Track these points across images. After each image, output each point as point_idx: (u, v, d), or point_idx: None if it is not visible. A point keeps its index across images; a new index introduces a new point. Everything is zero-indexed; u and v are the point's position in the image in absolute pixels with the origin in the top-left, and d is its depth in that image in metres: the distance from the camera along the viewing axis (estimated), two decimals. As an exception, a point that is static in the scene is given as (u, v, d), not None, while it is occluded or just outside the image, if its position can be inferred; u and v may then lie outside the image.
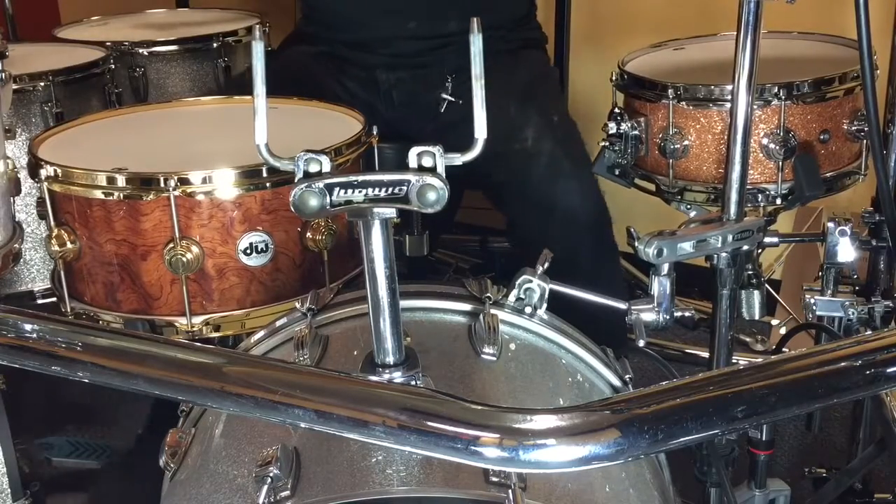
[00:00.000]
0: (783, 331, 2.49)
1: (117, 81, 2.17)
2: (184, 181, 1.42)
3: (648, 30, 2.48)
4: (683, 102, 1.70)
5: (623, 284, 2.21)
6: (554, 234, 1.91)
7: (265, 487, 0.89)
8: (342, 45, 2.14)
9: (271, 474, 0.90)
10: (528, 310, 1.19)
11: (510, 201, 2.04)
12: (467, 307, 1.19)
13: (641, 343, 1.20)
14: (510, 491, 0.87)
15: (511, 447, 0.70)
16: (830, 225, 1.48)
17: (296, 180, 0.87)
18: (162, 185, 1.41)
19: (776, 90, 1.63)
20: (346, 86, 2.12)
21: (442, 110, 1.92)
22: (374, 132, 1.60)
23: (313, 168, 0.87)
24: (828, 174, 1.71)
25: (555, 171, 1.92)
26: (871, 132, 1.39)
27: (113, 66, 2.15)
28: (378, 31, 2.07)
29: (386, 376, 0.93)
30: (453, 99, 1.89)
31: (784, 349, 1.70)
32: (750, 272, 1.47)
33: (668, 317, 1.22)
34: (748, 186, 1.33)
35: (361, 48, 2.11)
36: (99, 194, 1.45)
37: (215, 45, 2.37)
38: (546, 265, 1.21)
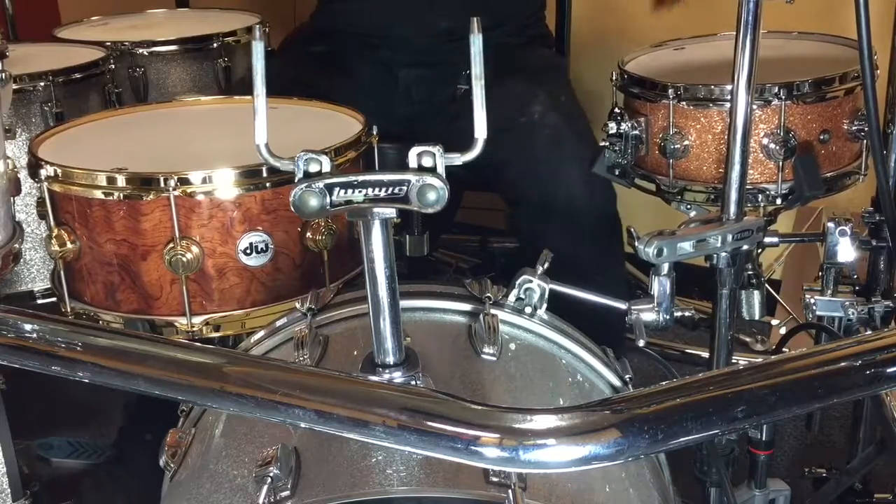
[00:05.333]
0: (783, 331, 2.49)
1: (117, 81, 2.17)
2: (184, 181, 1.42)
3: (648, 30, 2.48)
4: (683, 102, 1.69)
5: (623, 262, 2.17)
6: (557, 210, 1.89)
7: (265, 487, 0.89)
8: (361, 42, 2.13)
9: (271, 474, 0.90)
10: (528, 310, 1.19)
11: (512, 179, 2.01)
12: (467, 307, 1.19)
13: (641, 343, 1.20)
14: (510, 491, 0.87)
15: (511, 447, 0.70)
16: (830, 225, 1.48)
17: (296, 180, 0.87)
18: (162, 185, 1.41)
19: (776, 90, 1.63)
20: (361, 83, 2.11)
21: (458, 97, 1.91)
22: (374, 132, 1.60)
23: (313, 168, 0.87)
24: (828, 174, 1.71)
25: (559, 146, 1.90)
26: (871, 132, 1.39)
27: (113, 66, 2.15)
28: (403, 29, 2.07)
29: (386, 376, 0.93)
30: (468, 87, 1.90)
31: (784, 349, 1.70)
32: (750, 272, 1.47)
33: (668, 317, 1.22)
34: (748, 186, 1.33)
35: (382, 45, 2.10)
36: (99, 194, 1.45)
37: (215, 45, 2.36)
38: (546, 265, 1.21)
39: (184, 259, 1.42)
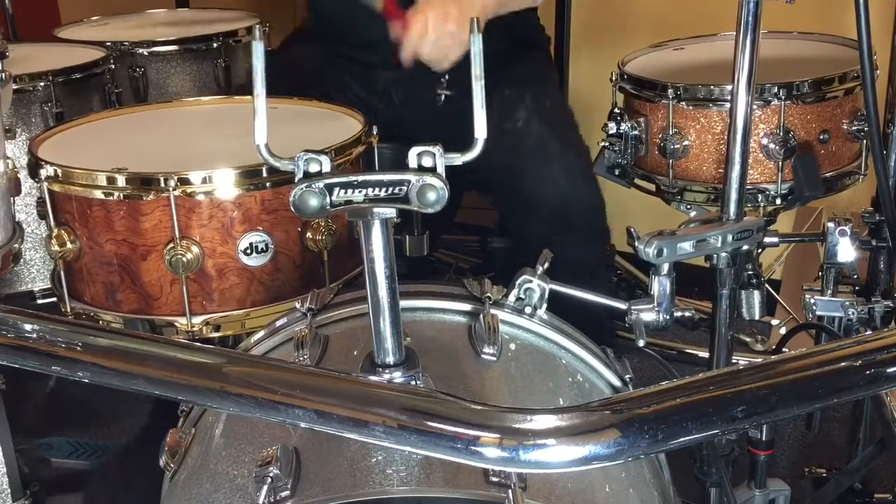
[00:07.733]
0: (783, 331, 2.49)
1: (117, 81, 2.17)
2: (184, 181, 1.42)
3: (648, 30, 2.48)
4: (683, 102, 1.70)
5: (606, 268, 2.19)
6: (544, 219, 1.90)
7: (265, 487, 0.89)
8: (344, 45, 2.14)
9: (271, 474, 0.89)
10: (528, 310, 1.19)
11: (500, 187, 2.03)
12: (467, 307, 1.19)
13: (641, 343, 1.20)
14: (510, 491, 0.87)
15: (511, 447, 0.70)
16: (830, 225, 1.48)
17: (296, 180, 0.87)
18: (162, 185, 1.41)
19: (776, 90, 1.63)
20: (349, 85, 2.12)
21: (440, 104, 1.91)
22: (374, 132, 1.60)
23: (313, 168, 0.87)
24: (828, 174, 1.71)
25: (544, 154, 1.91)
26: (871, 132, 1.39)
27: (113, 66, 2.15)
28: (380, 31, 2.08)
29: (386, 376, 0.93)
30: (450, 93, 1.89)
31: (784, 349, 1.70)
32: (750, 272, 1.47)
33: (668, 317, 1.22)
34: (748, 186, 1.33)
35: (362, 47, 2.11)
36: (99, 194, 1.45)
37: (215, 45, 2.37)
38: (546, 265, 1.20)
39: (184, 259, 1.42)
